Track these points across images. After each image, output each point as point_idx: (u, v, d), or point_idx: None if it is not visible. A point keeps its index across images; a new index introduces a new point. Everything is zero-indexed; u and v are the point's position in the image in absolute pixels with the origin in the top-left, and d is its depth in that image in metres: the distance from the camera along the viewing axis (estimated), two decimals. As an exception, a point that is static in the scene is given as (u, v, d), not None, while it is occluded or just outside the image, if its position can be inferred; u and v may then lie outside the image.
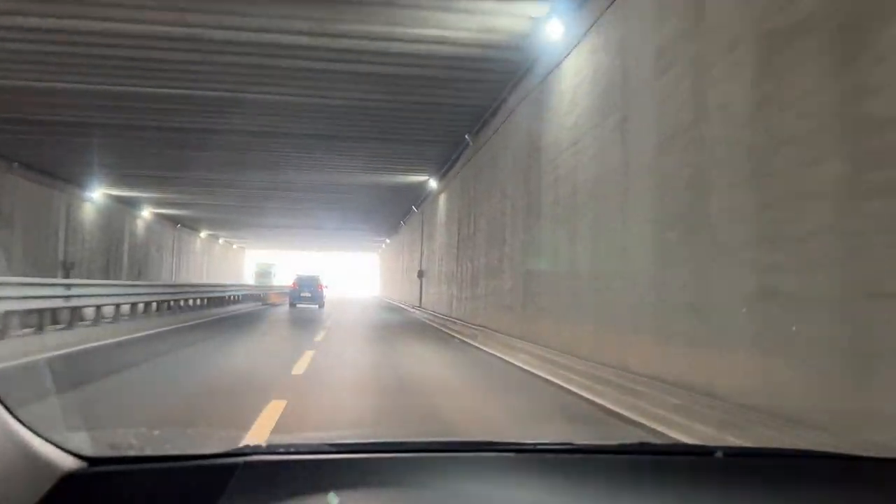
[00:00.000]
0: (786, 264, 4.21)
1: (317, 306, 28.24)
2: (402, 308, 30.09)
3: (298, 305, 28.34)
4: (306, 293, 28.65)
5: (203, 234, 44.04)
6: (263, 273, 55.65)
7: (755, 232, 4.53)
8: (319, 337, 13.32)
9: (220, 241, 51.58)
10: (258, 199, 27.35)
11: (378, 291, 56.18)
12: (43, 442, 1.19)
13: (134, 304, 14.43)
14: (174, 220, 36.26)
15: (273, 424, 4.67)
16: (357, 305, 33.90)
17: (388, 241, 43.12)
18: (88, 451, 1.27)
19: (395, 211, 30.04)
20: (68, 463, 1.20)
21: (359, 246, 53.18)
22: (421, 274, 26.00)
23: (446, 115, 13.54)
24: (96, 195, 24.63)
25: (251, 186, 23.99)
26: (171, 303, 17.84)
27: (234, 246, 58.32)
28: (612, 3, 7.17)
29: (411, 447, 1.52)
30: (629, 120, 6.72)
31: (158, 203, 30.17)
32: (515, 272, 11.28)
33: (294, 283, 29.30)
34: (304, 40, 9.52)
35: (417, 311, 24.91)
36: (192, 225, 39.68)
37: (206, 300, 22.02)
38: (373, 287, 63.01)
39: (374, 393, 6.73)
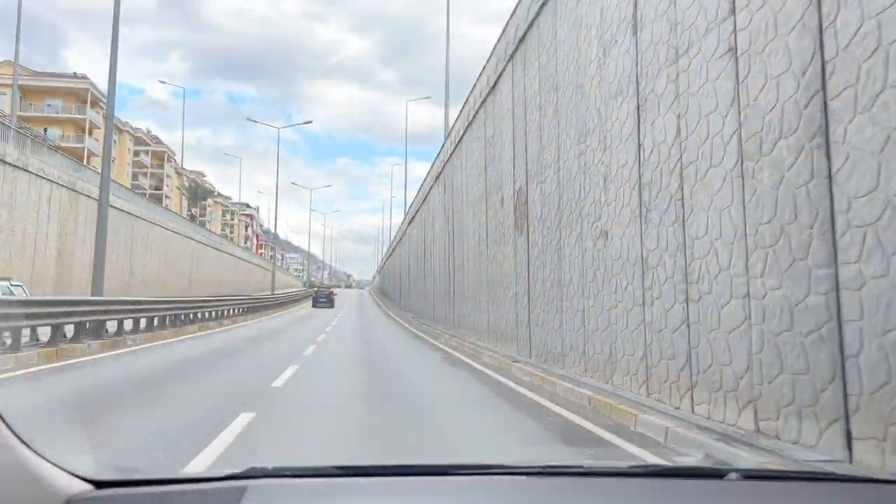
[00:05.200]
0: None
1: (331, 307, 45.03)
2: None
3: (317, 307, 45.04)
4: (322, 299, 47.50)
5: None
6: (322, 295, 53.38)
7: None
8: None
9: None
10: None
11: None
12: (48, 465, 1.17)
13: None
14: None
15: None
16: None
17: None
18: (93, 474, 1.26)
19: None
20: (73, 486, 1.19)
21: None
22: None
23: None
24: None
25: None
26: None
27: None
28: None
29: (420, 470, 1.49)
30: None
31: None
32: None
33: (315, 294, 50.55)
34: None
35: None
36: None
37: None
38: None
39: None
